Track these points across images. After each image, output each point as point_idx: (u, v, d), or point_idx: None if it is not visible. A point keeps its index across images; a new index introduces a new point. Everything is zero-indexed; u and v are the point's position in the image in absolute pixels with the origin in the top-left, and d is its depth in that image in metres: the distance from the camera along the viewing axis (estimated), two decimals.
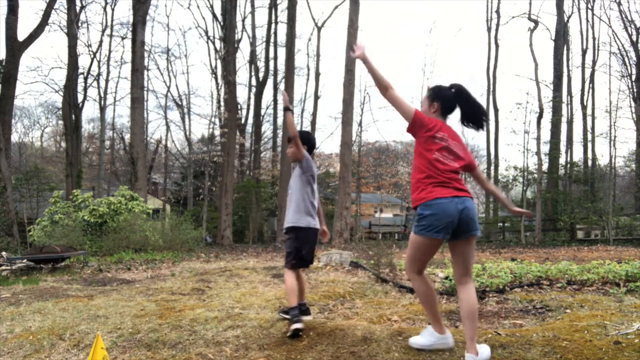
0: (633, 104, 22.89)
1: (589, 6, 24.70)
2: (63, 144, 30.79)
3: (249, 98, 29.13)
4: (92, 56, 26.11)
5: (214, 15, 25.30)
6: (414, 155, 2.81)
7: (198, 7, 49.62)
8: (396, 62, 62.62)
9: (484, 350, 2.67)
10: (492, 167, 25.80)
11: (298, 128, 27.77)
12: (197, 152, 28.19)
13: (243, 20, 27.38)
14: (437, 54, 64.75)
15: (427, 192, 2.65)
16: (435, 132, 2.70)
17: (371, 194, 35.28)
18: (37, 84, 58.30)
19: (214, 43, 26.77)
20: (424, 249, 2.72)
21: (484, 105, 26.76)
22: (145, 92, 18.28)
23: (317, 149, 24.46)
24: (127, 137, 30.81)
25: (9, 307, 4.67)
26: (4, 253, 9.13)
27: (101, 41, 25.74)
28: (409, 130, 2.78)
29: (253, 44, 27.70)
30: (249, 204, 21.97)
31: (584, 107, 24.57)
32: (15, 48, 16.23)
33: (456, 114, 2.88)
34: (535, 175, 19.98)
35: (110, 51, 25.49)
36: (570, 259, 9.40)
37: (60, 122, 28.75)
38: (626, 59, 24.70)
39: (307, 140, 3.68)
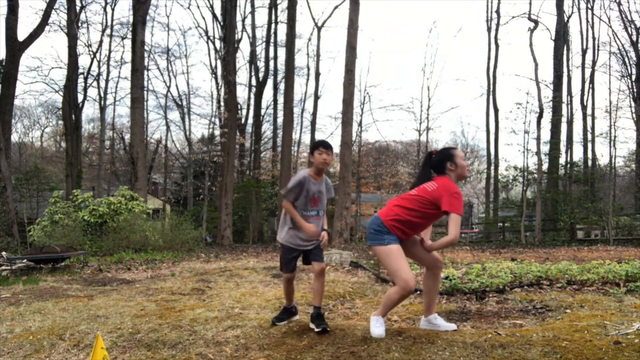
0: (633, 104, 22.87)
1: (589, 6, 24.69)
2: (63, 144, 30.81)
3: (249, 98, 29.11)
4: (92, 56, 26.07)
5: (214, 15, 25.26)
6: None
7: (198, 7, 49.38)
8: (396, 62, 62.67)
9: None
10: (492, 167, 25.80)
11: (297, 128, 27.12)
12: (197, 152, 28.13)
13: (243, 20, 27.36)
14: (437, 54, 64.52)
15: None
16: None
17: (371, 194, 35.22)
18: (37, 84, 58.27)
19: (214, 43, 26.74)
20: None
21: (485, 105, 26.72)
22: (145, 92, 18.28)
23: None
24: (127, 137, 30.83)
25: (9, 307, 4.68)
26: (4, 253, 9.12)
27: (101, 41, 25.70)
28: None
29: (253, 44, 27.68)
30: (249, 204, 21.96)
31: (584, 107, 24.56)
32: (15, 48, 16.23)
33: None
34: (535, 175, 19.96)
35: (110, 51, 25.43)
36: (570, 259, 9.39)
37: (60, 122, 28.77)
38: (626, 59, 24.70)
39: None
